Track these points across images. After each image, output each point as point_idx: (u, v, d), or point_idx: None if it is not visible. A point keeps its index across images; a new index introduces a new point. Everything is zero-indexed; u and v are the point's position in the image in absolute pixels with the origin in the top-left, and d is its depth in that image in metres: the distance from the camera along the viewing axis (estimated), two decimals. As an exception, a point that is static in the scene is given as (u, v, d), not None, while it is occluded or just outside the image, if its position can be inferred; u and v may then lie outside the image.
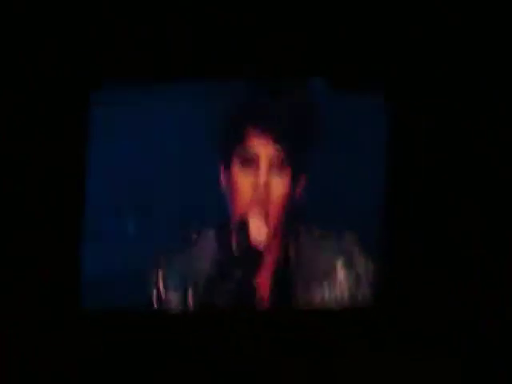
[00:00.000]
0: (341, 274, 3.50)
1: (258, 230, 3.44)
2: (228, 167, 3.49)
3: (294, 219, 3.51)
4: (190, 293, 3.52)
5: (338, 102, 3.57)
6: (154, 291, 3.52)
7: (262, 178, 3.43)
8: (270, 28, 3.64)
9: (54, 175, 3.62)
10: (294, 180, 3.47)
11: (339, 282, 3.49)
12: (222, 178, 3.51)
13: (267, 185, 3.43)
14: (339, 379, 3.45)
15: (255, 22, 3.65)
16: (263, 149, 3.45)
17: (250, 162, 3.45)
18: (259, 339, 3.49)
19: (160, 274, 3.52)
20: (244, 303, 3.50)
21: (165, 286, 3.52)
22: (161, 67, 3.67)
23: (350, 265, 3.50)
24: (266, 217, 3.44)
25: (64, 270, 3.57)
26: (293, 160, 3.46)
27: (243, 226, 3.44)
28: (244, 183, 3.45)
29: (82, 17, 3.65)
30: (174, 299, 3.53)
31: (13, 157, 3.63)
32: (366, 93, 3.60)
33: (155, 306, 3.53)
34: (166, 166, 3.60)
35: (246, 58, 3.64)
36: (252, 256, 3.45)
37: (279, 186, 3.45)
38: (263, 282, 3.50)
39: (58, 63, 3.65)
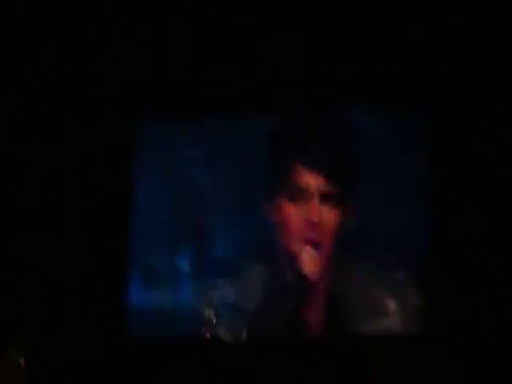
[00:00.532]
0: (390, 306, 3.50)
1: (311, 261, 3.47)
2: (276, 201, 3.53)
3: (344, 250, 3.52)
4: (242, 325, 3.53)
5: (379, 128, 3.57)
6: (206, 324, 3.54)
7: (313, 211, 3.47)
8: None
9: (102, 209, 3.65)
10: (344, 210, 3.50)
11: (389, 313, 3.49)
12: (270, 212, 3.54)
13: (318, 216, 3.47)
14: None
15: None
16: (311, 181, 3.49)
17: (299, 195, 3.49)
18: (311, 367, 3.48)
19: (211, 307, 3.55)
20: (295, 333, 3.51)
21: (216, 319, 3.54)
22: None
23: (399, 297, 3.50)
24: (318, 248, 3.47)
25: (112, 301, 3.59)
26: (341, 190, 3.49)
27: (295, 257, 3.48)
28: (294, 216, 3.49)
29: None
30: (225, 331, 3.54)
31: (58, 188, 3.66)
32: (405, 116, 3.60)
33: (207, 338, 3.53)
34: (215, 201, 3.64)
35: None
36: (304, 286, 3.48)
37: (330, 217, 3.48)
38: (314, 311, 3.51)
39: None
